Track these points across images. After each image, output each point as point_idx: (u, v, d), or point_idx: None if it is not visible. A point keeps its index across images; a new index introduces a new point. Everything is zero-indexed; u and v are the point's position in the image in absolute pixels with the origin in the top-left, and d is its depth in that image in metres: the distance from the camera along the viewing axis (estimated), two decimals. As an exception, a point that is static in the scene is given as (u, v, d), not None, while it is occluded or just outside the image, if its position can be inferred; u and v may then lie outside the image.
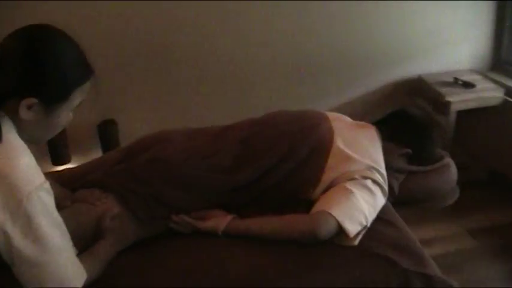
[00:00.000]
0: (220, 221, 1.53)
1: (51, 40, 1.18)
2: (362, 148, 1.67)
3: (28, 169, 1.15)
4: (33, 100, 1.15)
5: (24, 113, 1.17)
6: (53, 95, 1.19)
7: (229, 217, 1.55)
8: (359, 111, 2.88)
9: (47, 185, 1.17)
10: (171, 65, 2.66)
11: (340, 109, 2.49)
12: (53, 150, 2.60)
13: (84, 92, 1.25)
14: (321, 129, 1.70)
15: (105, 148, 2.65)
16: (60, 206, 1.29)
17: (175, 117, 2.75)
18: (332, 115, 1.83)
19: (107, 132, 2.65)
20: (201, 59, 2.68)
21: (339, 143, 1.67)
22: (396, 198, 1.73)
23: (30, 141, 1.23)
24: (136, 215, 1.51)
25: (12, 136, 1.17)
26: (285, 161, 1.62)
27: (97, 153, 2.64)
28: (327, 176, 1.60)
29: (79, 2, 2.41)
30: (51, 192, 1.19)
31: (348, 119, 1.90)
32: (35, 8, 2.33)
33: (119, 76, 2.61)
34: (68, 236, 1.23)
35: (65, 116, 1.25)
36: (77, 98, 1.24)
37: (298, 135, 1.67)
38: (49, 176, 1.35)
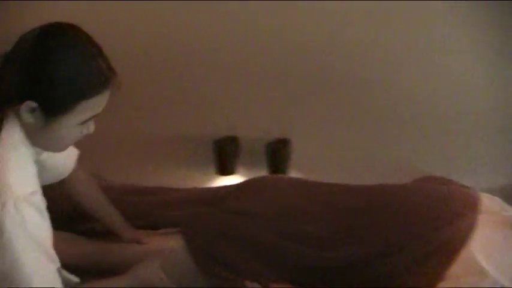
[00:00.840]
0: None
1: (62, 42, 1.04)
2: (505, 262, 1.22)
3: (14, 177, 1.04)
4: (33, 104, 1.04)
5: (25, 116, 1.05)
6: (52, 104, 1.05)
7: None
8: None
9: (35, 197, 1.06)
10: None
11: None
12: (218, 159, 2.47)
13: (97, 105, 1.10)
14: (459, 224, 1.27)
15: (273, 166, 2.44)
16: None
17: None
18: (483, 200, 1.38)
19: (277, 150, 2.44)
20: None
21: (475, 247, 1.22)
22: None
23: (41, 148, 1.14)
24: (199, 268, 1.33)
25: (10, 140, 1.07)
26: (393, 255, 1.26)
27: (262, 171, 2.44)
28: None
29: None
30: (39, 205, 1.07)
31: (500, 209, 1.41)
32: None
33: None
34: (49, 259, 1.10)
35: (72, 129, 1.10)
36: (86, 111, 1.09)
37: (424, 225, 1.28)
38: None
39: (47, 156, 1.27)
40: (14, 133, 1.08)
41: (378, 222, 1.34)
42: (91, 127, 1.16)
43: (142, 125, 2.58)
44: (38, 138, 1.11)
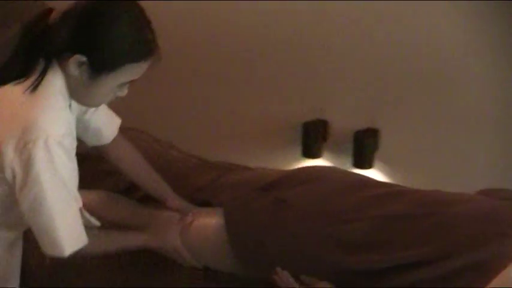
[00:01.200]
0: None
1: (118, 7, 1.13)
2: None
3: (48, 120, 1.13)
4: (83, 58, 1.11)
5: (72, 69, 1.13)
6: (101, 61, 1.13)
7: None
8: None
9: (65, 140, 1.15)
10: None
11: None
12: (306, 141, 2.49)
13: (138, 71, 1.17)
14: (502, 243, 1.19)
15: (359, 155, 2.41)
16: None
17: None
18: None
19: (365, 139, 2.40)
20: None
21: None
22: None
23: (76, 101, 1.22)
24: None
25: (51, 87, 1.15)
26: (427, 266, 1.21)
27: (347, 159, 2.43)
28: None
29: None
30: (68, 148, 1.16)
31: None
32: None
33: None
34: (72, 197, 1.19)
35: (111, 88, 1.18)
36: (127, 74, 1.16)
37: (467, 239, 1.22)
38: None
39: (90, 117, 1.38)
40: (56, 82, 1.15)
41: (418, 230, 1.30)
42: (125, 91, 1.23)
43: (236, 104, 2.66)
44: (76, 91, 1.19)
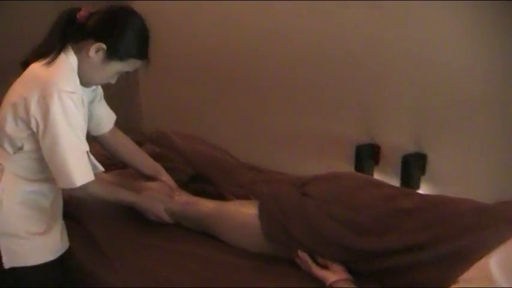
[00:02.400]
0: (332, 275, 1.47)
1: (133, 16, 1.58)
2: None
3: (60, 80, 1.49)
4: (103, 46, 1.52)
5: (92, 53, 1.52)
6: (115, 51, 1.53)
7: (343, 276, 1.46)
8: None
9: (74, 95, 1.51)
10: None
11: None
12: (358, 163, 2.66)
13: (134, 66, 1.60)
14: (488, 233, 1.34)
15: (406, 178, 2.54)
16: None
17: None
18: None
19: (412, 163, 2.53)
20: None
21: (495, 259, 1.27)
22: None
23: (82, 79, 1.57)
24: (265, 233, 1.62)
25: (65, 62, 1.52)
26: (419, 250, 1.41)
27: (396, 180, 2.57)
28: None
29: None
30: (76, 100, 1.51)
31: None
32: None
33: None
34: (80, 141, 1.53)
35: (113, 74, 1.59)
36: (128, 66, 1.59)
37: (457, 229, 1.39)
38: None
39: (95, 106, 1.78)
40: (71, 59, 1.54)
41: (420, 220, 1.47)
42: (115, 80, 1.63)
43: (293, 121, 2.90)
44: (85, 71, 1.56)
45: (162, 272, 1.60)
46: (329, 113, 2.76)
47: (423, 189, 2.54)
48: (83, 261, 1.68)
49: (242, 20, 2.95)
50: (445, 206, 1.52)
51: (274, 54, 2.86)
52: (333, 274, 1.49)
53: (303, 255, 1.55)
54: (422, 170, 2.54)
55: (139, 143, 2.26)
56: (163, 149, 2.16)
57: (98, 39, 1.52)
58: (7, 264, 1.57)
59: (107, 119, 1.86)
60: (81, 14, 1.54)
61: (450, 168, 2.49)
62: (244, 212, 1.70)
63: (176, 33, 3.28)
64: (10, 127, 1.52)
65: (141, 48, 1.58)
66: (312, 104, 2.81)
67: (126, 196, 1.76)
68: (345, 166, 2.67)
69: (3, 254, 1.56)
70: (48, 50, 1.54)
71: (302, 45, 2.74)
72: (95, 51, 1.53)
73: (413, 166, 2.52)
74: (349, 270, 1.51)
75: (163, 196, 1.81)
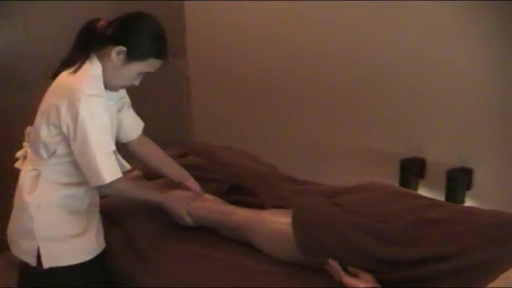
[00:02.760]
0: (361, 283, 1.50)
1: (149, 19, 1.70)
2: None
3: (86, 86, 1.62)
4: (123, 49, 1.65)
5: (113, 56, 1.66)
6: (135, 52, 1.66)
7: (372, 284, 1.48)
8: None
9: (101, 98, 1.64)
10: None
11: None
12: (402, 177, 2.66)
13: (154, 66, 1.71)
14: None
15: (451, 192, 2.52)
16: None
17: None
18: None
19: (457, 178, 2.51)
20: None
21: None
22: None
23: (107, 84, 1.69)
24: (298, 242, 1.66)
25: (91, 69, 1.66)
26: (446, 260, 1.41)
27: (441, 195, 2.55)
28: None
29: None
30: (101, 103, 1.64)
31: None
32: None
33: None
34: (107, 141, 1.65)
35: (134, 74, 1.70)
36: (148, 66, 1.70)
37: (483, 241, 1.41)
38: None
39: (124, 114, 1.90)
40: (95, 67, 1.67)
41: (446, 232, 1.49)
42: (138, 82, 1.75)
43: (341, 135, 2.95)
44: (109, 75, 1.68)
45: (198, 278, 1.67)
46: (374, 127, 2.79)
47: (468, 204, 2.52)
48: (121, 262, 1.78)
49: (287, 38, 3.03)
50: (473, 217, 1.52)
51: (320, 69, 2.94)
52: (362, 282, 1.51)
53: (334, 264, 1.58)
54: (468, 185, 2.52)
55: (185, 155, 2.36)
56: (206, 161, 2.24)
57: (118, 43, 1.65)
58: (46, 264, 1.68)
59: (134, 126, 1.98)
60: (101, 24, 1.69)
61: (496, 183, 2.47)
62: (278, 220, 1.75)
63: (227, 49, 3.39)
64: (44, 133, 1.65)
65: (158, 48, 1.70)
66: (357, 117, 2.85)
67: (154, 196, 1.85)
68: (389, 180, 2.68)
69: (42, 255, 1.68)
70: (74, 60, 1.68)
71: (348, 60, 2.80)
72: (116, 54, 1.66)
73: (458, 181, 2.51)
74: (378, 280, 1.53)
75: (186, 199, 1.89)
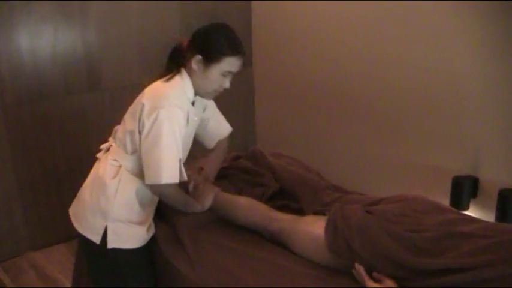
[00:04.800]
0: None
1: (220, 24, 1.87)
2: None
3: (173, 96, 1.79)
4: (199, 56, 1.81)
5: (194, 65, 1.83)
6: (209, 56, 1.81)
7: None
8: None
9: (182, 110, 1.78)
10: None
11: None
12: (454, 194, 2.65)
13: (234, 64, 1.83)
14: None
15: (501, 212, 2.49)
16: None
17: None
18: None
19: (508, 197, 2.47)
20: None
21: None
22: None
23: (197, 92, 1.88)
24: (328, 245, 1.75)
25: (181, 81, 1.85)
26: (471, 271, 1.46)
27: (491, 214, 2.53)
28: None
29: None
30: (184, 116, 1.79)
31: None
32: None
33: None
34: (179, 148, 1.77)
35: (217, 76, 1.83)
36: (227, 65, 1.82)
37: (508, 255, 1.40)
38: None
39: (208, 116, 2.09)
40: (185, 81, 1.85)
41: (474, 246, 1.52)
42: (228, 83, 1.87)
43: (393, 150, 2.97)
44: (197, 84, 1.86)
45: (237, 273, 1.77)
46: (429, 143, 2.81)
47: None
48: (167, 254, 1.90)
49: (351, 50, 3.09)
50: (503, 234, 1.54)
51: (379, 83, 2.99)
52: (381, 286, 1.58)
53: (359, 268, 1.65)
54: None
55: (238, 158, 2.47)
56: (255, 165, 2.35)
57: (194, 53, 1.82)
58: (110, 244, 1.84)
59: (217, 132, 2.17)
60: (184, 44, 1.89)
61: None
62: (314, 224, 1.83)
63: (291, 59, 3.50)
64: (130, 129, 1.83)
65: (230, 45, 1.82)
66: (412, 132, 2.88)
67: (192, 203, 1.99)
68: (441, 197, 2.68)
69: (108, 235, 1.83)
70: (165, 73, 1.90)
71: (406, 75, 2.84)
72: (195, 63, 1.83)
73: (510, 201, 2.47)
74: (401, 287, 1.59)
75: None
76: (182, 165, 1.83)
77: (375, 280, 1.62)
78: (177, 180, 1.79)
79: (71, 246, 3.02)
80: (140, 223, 1.90)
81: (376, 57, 2.94)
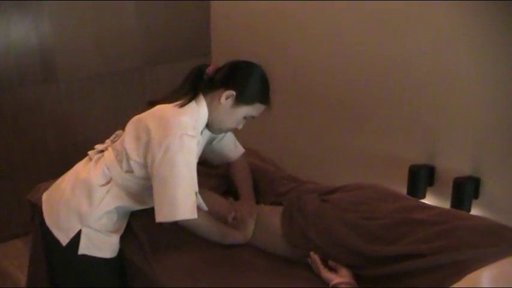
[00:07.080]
0: (336, 278, 1.56)
1: (257, 67, 1.79)
2: None
3: (185, 124, 1.64)
4: (233, 93, 1.72)
5: (223, 99, 1.74)
6: (243, 96, 1.74)
7: (346, 279, 1.54)
8: None
9: (194, 139, 1.65)
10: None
11: None
12: (411, 183, 2.68)
13: (258, 110, 1.79)
14: (487, 250, 1.39)
15: (457, 200, 2.53)
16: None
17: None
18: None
19: (463, 186, 2.51)
20: None
21: (488, 274, 1.29)
22: None
23: (212, 125, 1.79)
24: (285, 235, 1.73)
25: (196, 108, 1.73)
26: (420, 257, 1.46)
27: (447, 201, 2.58)
28: None
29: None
30: (194, 142, 1.65)
31: None
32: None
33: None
34: (195, 180, 1.64)
35: (241, 117, 1.78)
36: (253, 110, 1.78)
37: (457, 243, 1.44)
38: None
39: (216, 144, 2.01)
40: (201, 109, 1.74)
41: (427, 233, 1.53)
42: (241, 125, 1.83)
43: (349, 139, 2.99)
44: (216, 117, 1.77)
45: (198, 269, 1.74)
46: (385, 132, 2.82)
47: (475, 213, 2.52)
48: (134, 260, 1.84)
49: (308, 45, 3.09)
50: (458, 220, 1.56)
51: (333, 73, 2.99)
52: (338, 277, 1.57)
53: (314, 257, 1.65)
54: (476, 194, 2.52)
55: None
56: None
57: (228, 88, 1.73)
58: (82, 250, 1.76)
59: (229, 155, 2.10)
60: (210, 69, 1.79)
61: (504, 194, 2.46)
62: (270, 216, 1.83)
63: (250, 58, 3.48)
64: (131, 154, 1.71)
65: (264, 93, 1.78)
66: (368, 122, 2.89)
67: (232, 234, 1.85)
68: (398, 186, 2.70)
69: (82, 241, 1.75)
70: (178, 97, 1.75)
71: (360, 66, 2.84)
72: (225, 98, 1.73)
73: (465, 189, 2.51)
74: (357, 275, 1.59)
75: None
76: (199, 196, 1.69)
77: (331, 269, 1.62)
78: (195, 216, 1.64)
79: (27, 240, 2.95)
80: (115, 231, 1.83)
81: (334, 47, 2.94)
